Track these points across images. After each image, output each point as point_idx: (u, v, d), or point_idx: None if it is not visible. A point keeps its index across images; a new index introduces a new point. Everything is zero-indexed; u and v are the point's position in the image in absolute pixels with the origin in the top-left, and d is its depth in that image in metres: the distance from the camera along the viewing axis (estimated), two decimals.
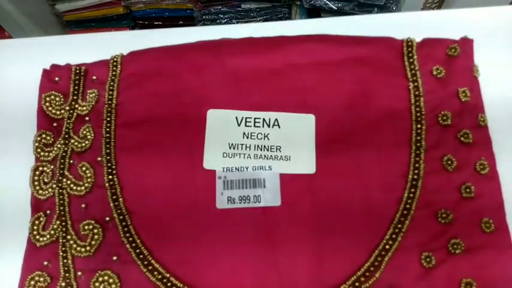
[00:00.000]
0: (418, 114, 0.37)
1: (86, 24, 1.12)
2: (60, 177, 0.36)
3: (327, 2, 1.01)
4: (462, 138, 0.36)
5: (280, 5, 1.08)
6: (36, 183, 0.36)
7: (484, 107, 0.38)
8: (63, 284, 0.34)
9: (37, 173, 0.37)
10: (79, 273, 0.34)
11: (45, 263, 0.34)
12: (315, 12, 1.04)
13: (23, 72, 0.42)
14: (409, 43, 0.39)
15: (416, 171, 0.36)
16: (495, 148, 0.37)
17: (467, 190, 0.35)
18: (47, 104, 0.38)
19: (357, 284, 0.33)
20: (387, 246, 0.34)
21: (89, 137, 0.37)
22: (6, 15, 0.97)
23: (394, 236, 0.34)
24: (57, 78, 0.39)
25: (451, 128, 0.37)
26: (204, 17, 1.09)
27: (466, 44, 0.39)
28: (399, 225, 0.34)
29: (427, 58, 0.39)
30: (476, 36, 0.40)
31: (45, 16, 1.09)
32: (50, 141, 0.38)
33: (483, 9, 0.44)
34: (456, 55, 0.39)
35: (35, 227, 0.35)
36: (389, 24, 0.43)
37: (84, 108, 0.38)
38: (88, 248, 0.34)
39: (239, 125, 0.38)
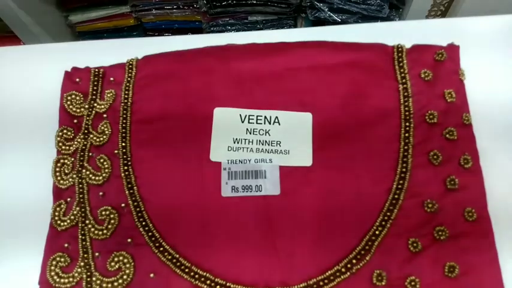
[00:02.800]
0: (407, 113, 0.41)
1: (98, 35, 1.17)
2: (80, 168, 0.40)
3: (331, 14, 1.06)
4: (447, 135, 0.40)
5: (286, 17, 1.12)
6: (57, 173, 0.41)
7: (468, 107, 0.41)
8: (82, 263, 0.37)
9: (58, 164, 0.41)
10: (96, 254, 0.38)
11: (66, 245, 0.38)
12: (319, 24, 1.08)
13: (43, 75, 0.47)
14: (399, 49, 0.43)
15: (404, 165, 0.39)
16: (480, 145, 0.40)
17: (452, 182, 0.38)
18: (68, 102, 0.43)
19: (349, 265, 0.37)
20: (377, 232, 0.37)
21: (106, 132, 0.42)
22: (23, 26, 1.03)
23: (383, 223, 0.38)
24: (77, 79, 0.44)
25: (437, 126, 0.40)
26: (212, 28, 1.14)
27: (453, 50, 0.43)
28: (388, 213, 0.38)
29: (415, 62, 0.42)
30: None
31: (59, 27, 1.14)
32: (71, 136, 0.42)
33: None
34: (443, 60, 0.42)
35: (56, 213, 0.39)
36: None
37: (102, 106, 0.43)
38: (105, 231, 0.38)
39: (243, 122, 0.42)
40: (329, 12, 1.05)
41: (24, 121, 0.45)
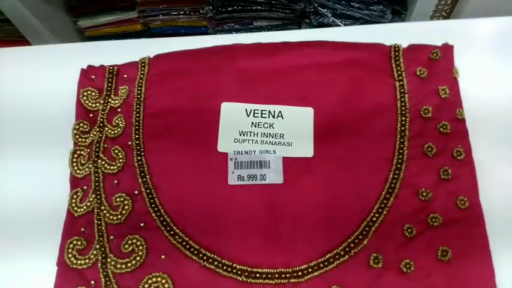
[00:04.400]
0: (403, 108, 0.44)
1: (106, 40, 1.21)
2: (96, 159, 0.44)
3: (335, 19, 1.09)
4: (441, 129, 0.43)
5: (290, 23, 1.15)
6: (74, 164, 0.44)
7: (462, 103, 0.44)
8: (98, 246, 0.41)
9: (75, 155, 0.44)
10: (111, 237, 0.41)
11: (82, 229, 0.41)
12: None
13: (57, 74, 0.50)
14: (396, 48, 0.46)
15: (400, 156, 0.42)
16: (472, 138, 0.43)
17: (445, 173, 0.41)
18: (84, 98, 0.46)
19: (347, 249, 0.39)
20: (374, 219, 0.40)
21: (120, 125, 0.45)
22: (34, 30, 1.07)
23: (380, 210, 0.40)
24: (93, 76, 0.47)
25: (431, 120, 0.43)
26: (217, 34, 1.18)
27: (447, 49, 0.46)
28: (385, 201, 0.41)
29: (411, 61, 0.45)
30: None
31: (69, 32, 1.18)
32: (87, 129, 0.45)
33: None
34: (437, 58, 0.45)
35: (73, 200, 0.42)
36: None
37: (117, 101, 0.46)
38: (119, 216, 0.41)
39: (248, 116, 0.45)
40: (332, 18, 1.09)
41: (42, 116, 0.49)
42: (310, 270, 0.39)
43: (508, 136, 0.45)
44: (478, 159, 0.42)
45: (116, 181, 0.43)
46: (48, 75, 0.51)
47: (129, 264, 0.40)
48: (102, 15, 1.16)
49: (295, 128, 0.44)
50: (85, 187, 0.43)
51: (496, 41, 0.49)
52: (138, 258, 0.40)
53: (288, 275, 0.39)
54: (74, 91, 0.47)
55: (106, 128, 0.45)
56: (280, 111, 0.45)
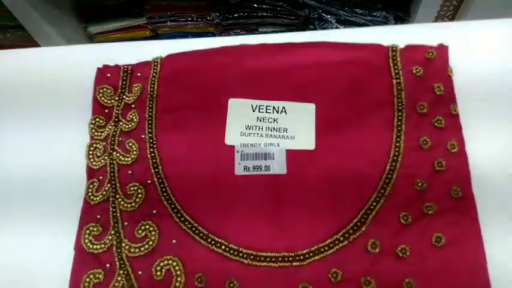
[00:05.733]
0: (400, 104, 0.47)
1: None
2: (111, 151, 0.47)
3: (339, 26, 1.12)
4: (436, 124, 0.45)
5: (295, 29, 1.19)
6: (90, 156, 0.47)
7: (456, 100, 0.47)
8: (113, 232, 0.44)
9: (91, 148, 0.48)
10: (126, 223, 0.44)
11: (98, 216, 0.44)
12: None
13: (70, 73, 0.53)
14: (394, 48, 0.49)
15: (397, 149, 0.45)
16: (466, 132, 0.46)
17: (440, 165, 0.44)
18: (100, 94, 0.50)
19: (346, 235, 0.42)
20: (372, 207, 0.43)
21: (134, 120, 0.48)
22: (46, 36, 1.11)
23: (377, 199, 0.43)
24: (109, 75, 0.51)
25: (427, 116, 0.46)
26: None
27: (442, 49, 0.49)
28: (382, 191, 0.43)
29: (408, 60, 0.48)
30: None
31: (79, 37, 1.22)
32: (102, 124, 0.49)
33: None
34: (433, 58, 0.48)
35: (90, 190, 0.46)
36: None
37: (131, 98, 0.49)
38: (133, 204, 0.45)
39: (254, 111, 0.48)
40: (336, 24, 1.12)
41: (60, 111, 0.52)
42: (311, 254, 0.42)
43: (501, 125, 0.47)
44: (470, 152, 0.45)
45: (130, 172, 0.46)
46: (63, 74, 0.54)
47: (142, 248, 0.43)
48: (112, 22, 1.20)
49: (298, 123, 0.47)
50: (101, 177, 0.46)
51: (494, 42, 0.51)
52: (150, 242, 0.43)
53: (290, 259, 0.42)
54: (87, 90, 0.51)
55: (121, 123, 0.48)
56: (283, 107, 0.48)
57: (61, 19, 1.15)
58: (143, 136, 0.48)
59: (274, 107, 0.48)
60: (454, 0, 1.07)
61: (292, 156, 0.46)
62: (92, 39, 1.24)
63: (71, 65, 0.54)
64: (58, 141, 0.50)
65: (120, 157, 0.47)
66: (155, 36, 1.23)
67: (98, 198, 0.45)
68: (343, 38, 0.51)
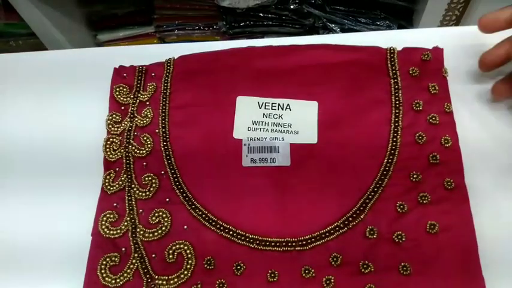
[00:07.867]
0: (397, 102, 0.51)
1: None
2: (127, 145, 0.51)
3: (341, 34, 1.17)
4: (431, 120, 0.49)
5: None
6: (107, 149, 0.51)
7: (450, 98, 0.50)
8: (128, 218, 0.48)
9: (108, 142, 0.52)
10: (140, 210, 0.48)
11: (115, 204, 0.48)
12: None
13: (89, 75, 0.59)
14: (392, 50, 0.53)
15: (394, 144, 0.49)
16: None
17: (434, 158, 0.47)
18: (117, 93, 0.54)
19: (346, 222, 0.46)
20: (370, 197, 0.46)
21: (149, 116, 0.53)
22: (57, 43, 1.16)
23: (375, 189, 0.47)
24: (125, 75, 0.55)
25: (422, 113, 0.50)
26: None
27: (437, 51, 0.53)
28: (380, 182, 0.47)
29: (405, 61, 0.52)
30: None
31: (88, 45, 1.27)
32: (119, 120, 0.53)
33: None
34: (428, 59, 0.52)
35: (107, 180, 0.50)
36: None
37: (145, 96, 0.54)
38: (148, 193, 0.49)
39: (260, 108, 0.52)
40: (340, 33, 1.17)
41: (78, 109, 0.57)
42: (313, 240, 0.46)
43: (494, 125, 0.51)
44: (463, 146, 0.49)
45: (144, 163, 0.50)
46: (84, 76, 0.60)
47: (155, 234, 0.47)
48: (121, 30, 1.25)
49: (301, 119, 0.51)
50: (117, 169, 0.50)
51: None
52: (163, 228, 0.47)
53: (293, 244, 0.46)
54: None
55: (136, 119, 0.53)
56: (288, 104, 0.52)
57: (71, 27, 1.21)
58: (157, 131, 0.52)
59: (279, 104, 0.53)
60: (456, 10, 1.11)
61: (296, 149, 0.50)
62: (100, 46, 1.29)
63: (80, 67, 0.60)
64: (78, 133, 0.55)
65: (136, 150, 0.51)
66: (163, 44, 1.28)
67: (114, 188, 0.49)
68: (344, 42, 0.56)
